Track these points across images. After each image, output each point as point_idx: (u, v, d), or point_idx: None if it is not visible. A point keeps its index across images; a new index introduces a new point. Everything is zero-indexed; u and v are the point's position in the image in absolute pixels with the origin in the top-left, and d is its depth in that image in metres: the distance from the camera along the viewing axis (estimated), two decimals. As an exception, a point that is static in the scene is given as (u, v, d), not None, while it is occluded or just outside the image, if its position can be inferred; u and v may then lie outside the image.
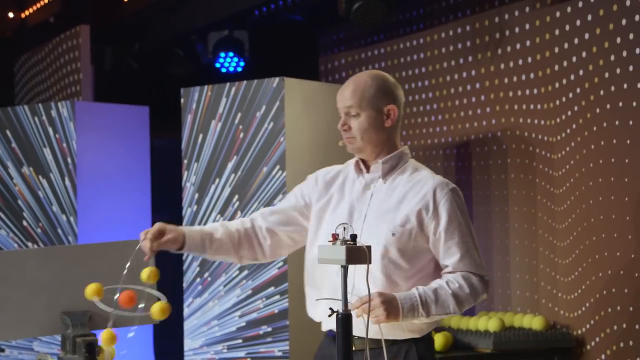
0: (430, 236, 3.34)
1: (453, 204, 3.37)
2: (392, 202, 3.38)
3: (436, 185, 3.38)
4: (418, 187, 3.38)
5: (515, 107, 5.94)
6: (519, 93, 5.91)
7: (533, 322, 5.56)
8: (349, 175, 3.53)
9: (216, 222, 3.62)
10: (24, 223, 6.47)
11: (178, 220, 5.94)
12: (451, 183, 3.44)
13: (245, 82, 5.64)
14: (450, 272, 3.34)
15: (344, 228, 2.88)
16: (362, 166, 3.49)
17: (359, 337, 3.25)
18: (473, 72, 6.27)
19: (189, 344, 5.84)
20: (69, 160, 6.30)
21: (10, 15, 8.66)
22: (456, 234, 3.34)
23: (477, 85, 6.23)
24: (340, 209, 3.45)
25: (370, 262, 2.91)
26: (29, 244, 6.42)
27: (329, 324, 3.42)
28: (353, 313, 3.09)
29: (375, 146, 3.43)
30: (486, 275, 3.36)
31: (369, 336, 3.19)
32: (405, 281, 3.31)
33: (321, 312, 3.44)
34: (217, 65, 7.71)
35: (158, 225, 3.38)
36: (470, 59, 6.29)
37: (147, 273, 3.47)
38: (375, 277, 3.29)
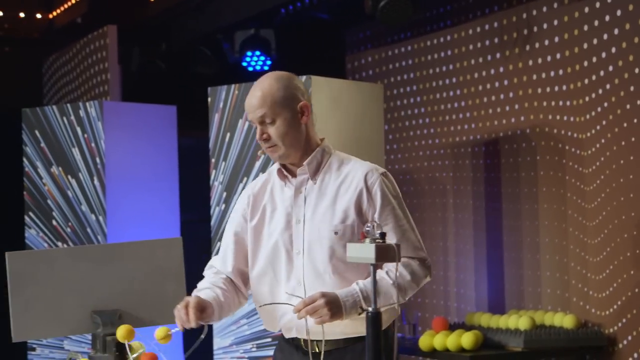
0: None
1: (384, 189, 3.33)
2: (327, 201, 3.33)
3: (366, 172, 3.34)
4: (349, 179, 3.34)
5: (544, 103, 5.91)
6: (548, 90, 5.88)
7: (564, 320, 5.53)
8: (275, 183, 3.45)
9: (205, 287, 3.51)
10: (54, 223, 6.49)
11: (207, 219, 5.95)
12: (381, 168, 3.40)
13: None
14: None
15: (374, 226, 2.86)
16: (285, 172, 3.41)
17: (327, 340, 3.26)
18: (501, 69, 6.24)
19: (218, 342, 5.84)
20: (98, 160, 6.32)
21: (38, 16, 8.69)
22: (390, 218, 3.29)
23: (505, 82, 6.19)
24: (276, 219, 3.39)
25: (399, 260, 2.89)
26: (59, 244, 6.45)
27: (293, 333, 3.39)
28: (294, 316, 3.15)
29: (298, 148, 3.35)
30: (427, 258, 3.31)
31: (333, 337, 3.26)
32: (359, 276, 3.27)
33: (280, 321, 3.41)
34: (244, 64, 7.71)
35: (196, 300, 3.29)
36: (498, 55, 6.26)
37: (162, 334, 3.47)
38: (327, 280, 3.27)
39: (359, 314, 3.13)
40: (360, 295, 3.16)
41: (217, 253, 3.62)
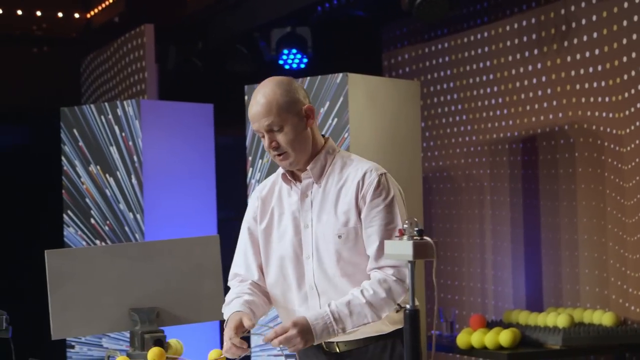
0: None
1: (378, 189, 3.26)
2: (330, 205, 3.31)
3: (365, 172, 3.30)
4: (349, 182, 3.31)
5: (583, 100, 5.87)
6: (586, 86, 5.84)
7: (603, 318, 5.49)
8: (282, 186, 3.43)
9: (232, 298, 3.49)
10: (92, 221, 6.53)
11: (243, 217, 5.95)
12: (381, 168, 3.34)
13: (308, 78, 5.63)
14: (372, 269, 3.26)
15: (411, 223, 2.85)
16: (289, 177, 3.39)
17: (347, 340, 3.31)
18: (539, 65, 6.20)
19: (255, 340, 5.85)
20: (135, 158, 6.34)
21: (76, 15, 8.75)
22: (376, 220, 3.25)
23: (543, 79, 6.16)
24: (285, 223, 3.39)
25: (437, 258, 2.88)
26: (97, 242, 6.48)
27: None
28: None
29: (307, 153, 3.33)
30: (406, 272, 3.18)
31: (353, 337, 3.28)
32: (367, 278, 3.27)
33: None
34: (280, 62, 7.72)
35: (234, 324, 3.26)
36: (535, 51, 6.23)
37: (215, 355, 3.47)
38: (338, 283, 3.27)
39: (341, 332, 3.18)
40: (331, 317, 3.16)
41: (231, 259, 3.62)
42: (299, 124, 3.28)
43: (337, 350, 3.35)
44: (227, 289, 4.07)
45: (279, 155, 3.30)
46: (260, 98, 3.27)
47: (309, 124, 3.31)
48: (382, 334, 3.30)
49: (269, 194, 3.47)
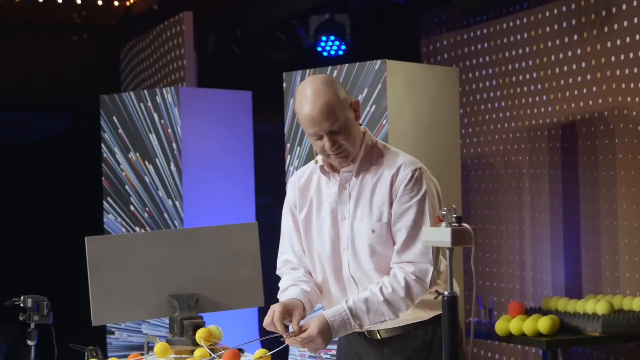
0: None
1: (410, 185, 3.26)
2: (366, 199, 3.31)
3: (399, 166, 3.29)
4: (385, 176, 3.30)
5: (623, 86, 5.82)
6: (627, 72, 5.79)
7: (643, 304, 5.45)
8: (321, 176, 3.42)
9: (288, 285, 3.50)
10: (132, 208, 6.57)
11: (282, 204, 5.96)
12: (417, 163, 3.32)
13: (347, 65, 5.63)
14: (395, 264, 3.26)
15: (450, 210, 2.85)
16: (327, 169, 3.39)
17: (387, 328, 3.34)
18: (579, 52, 6.16)
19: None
20: (174, 145, 6.38)
21: (116, 3, 8.80)
22: (405, 216, 3.25)
23: (583, 65, 6.11)
24: (323, 215, 3.39)
25: (475, 245, 2.87)
26: (137, 229, 6.53)
27: None
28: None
29: (359, 147, 3.34)
30: (429, 270, 3.22)
31: (392, 325, 3.31)
32: None
33: None
34: (319, 49, 7.71)
35: (281, 309, 3.28)
36: (575, 37, 6.18)
37: (260, 354, 3.51)
38: (373, 276, 3.28)
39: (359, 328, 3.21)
40: (348, 314, 3.18)
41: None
42: (352, 119, 3.29)
43: (379, 337, 3.38)
44: (266, 276, 4.09)
45: (339, 155, 3.27)
46: (317, 101, 3.22)
47: (358, 117, 3.32)
48: (422, 320, 3.31)
49: (307, 183, 3.47)
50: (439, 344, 3.24)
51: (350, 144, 3.27)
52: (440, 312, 3.13)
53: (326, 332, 3.14)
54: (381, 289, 3.20)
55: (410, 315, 3.27)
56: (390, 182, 3.27)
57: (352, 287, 3.33)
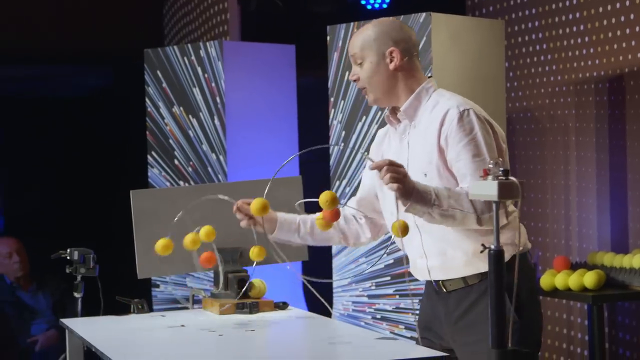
0: (448, 161, 3.31)
1: (460, 124, 3.28)
2: (420, 143, 3.37)
3: (448, 109, 3.32)
4: (436, 119, 3.33)
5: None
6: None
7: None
8: (390, 128, 3.56)
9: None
10: (176, 162, 6.59)
11: (326, 159, 5.96)
12: (466, 104, 3.35)
13: (391, 18, 5.58)
14: None
15: (496, 163, 2.82)
16: (391, 118, 3.49)
17: (450, 279, 3.39)
18: (627, 3, 6.06)
19: (337, 281, 5.88)
20: (218, 99, 6.38)
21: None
22: (463, 154, 3.26)
23: (632, 17, 6.02)
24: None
25: (523, 197, 2.85)
26: (181, 183, 6.55)
27: (419, 275, 3.55)
28: (417, 261, 3.39)
29: (389, 93, 3.43)
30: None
31: (453, 276, 3.37)
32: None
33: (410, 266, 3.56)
34: (363, 2, 7.65)
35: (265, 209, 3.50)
36: (623, -11, 6.09)
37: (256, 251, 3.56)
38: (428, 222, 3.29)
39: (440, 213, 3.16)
40: (431, 189, 3.16)
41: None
42: (377, 63, 3.41)
43: (444, 290, 3.43)
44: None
45: (361, 89, 3.48)
46: (357, 32, 3.47)
47: (391, 66, 3.40)
48: (481, 272, 3.33)
49: (383, 137, 3.62)
50: None
51: (366, 82, 3.43)
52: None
53: (410, 182, 3.12)
54: (461, 188, 3.24)
55: (471, 267, 3.33)
56: (439, 125, 3.31)
57: (416, 234, 3.38)
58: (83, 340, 3.67)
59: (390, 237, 3.49)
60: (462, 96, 3.47)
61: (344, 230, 3.70)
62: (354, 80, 3.47)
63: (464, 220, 3.19)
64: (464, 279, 3.38)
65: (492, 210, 3.03)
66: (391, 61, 3.40)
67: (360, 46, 3.42)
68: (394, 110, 3.49)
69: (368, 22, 3.53)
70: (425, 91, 3.43)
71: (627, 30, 6.05)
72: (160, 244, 3.76)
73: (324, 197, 3.31)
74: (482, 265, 3.26)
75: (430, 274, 3.42)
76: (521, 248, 3.35)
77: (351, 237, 3.73)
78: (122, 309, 4.15)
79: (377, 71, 3.41)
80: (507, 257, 3.26)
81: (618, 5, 6.12)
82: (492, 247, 2.79)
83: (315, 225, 3.57)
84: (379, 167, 3.10)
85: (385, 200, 3.51)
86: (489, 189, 2.80)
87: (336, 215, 3.38)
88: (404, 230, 3.16)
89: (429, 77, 3.53)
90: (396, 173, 3.08)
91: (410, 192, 3.11)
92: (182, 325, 3.78)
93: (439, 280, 3.44)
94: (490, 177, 2.81)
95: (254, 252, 3.61)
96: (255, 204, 3.47)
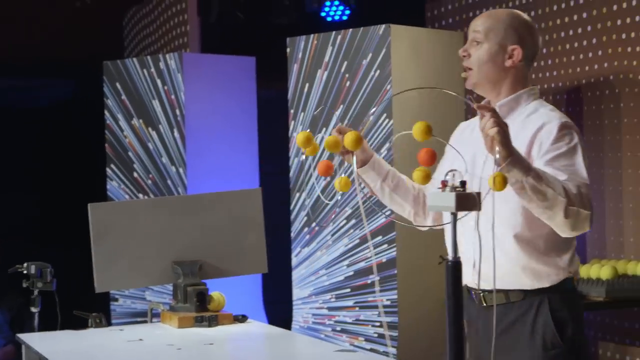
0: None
1: (560, 133, 3.11)
2: None
3: (544, 121, 3.16)
4: (532, 126, 3.18)
5: (629, 49, 5.78)
6: (632, 35, 5.75)
7: (638, 268, 5.44)
8: (474, 122, 3.39)
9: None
10: (135, 175, 6.56)
11: (285, 171, 5.96)
12: (566, 118, 3.19)
13: (351, 30, 5.60)
14: None
15: (453, 174, 2.82)
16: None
17: (489, 291, 3.19)
18: (584, 15, 6.11)
19: (297, 293, 5.87)
20: (178, 111, 6.35)
21: (118, -32, 8.74)
22: (557, 162, 3.06)
23: (589, 28, 6.07)
24: (463, 154, 3.22)
25: (480, 209, 2.84)
26: (140, 195, 6.52)
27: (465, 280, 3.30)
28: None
29: (493, 84, 3.27)
30: (589, 215, 3.03)
31: (501, 287, 3.13)
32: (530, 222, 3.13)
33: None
34: (323, 14, 7.66)
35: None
36: (581, 0, 6.14)
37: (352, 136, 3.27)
38: (513, 219, 3.15)
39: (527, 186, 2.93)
40: (532, 166, 2.95)
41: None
42: (496, 53, 3.24)
43: (484, 304, 3.25)
44: (269, 242, 4.09)
45: (466, 68, 3.29)
46: (488, 12, 3.31)
47: (507, 63, 3.24)
48: (524, 289, 3.18)
49: (468, 125, 3.50)
50: (544, 318, 3.15)
51: (476, 65, 3.26)
52: (546, 285, 3.11)
53: (510, 140, 2.90)
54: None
55: (513, 278, 3.16)
56: (536, 131, 3.15)
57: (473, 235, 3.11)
58: (40, 356, 3.63)
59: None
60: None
61: (419, 203, 3.48)
62: (463, 56, 3.29)
63: (552, 203, 2.95)
64: (506, 294, 3.20)
65: (585, 209, 2.97)
66: (509, 57, 3.25)
67: (487, 28, 3.24)
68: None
69: (505, 8, 3.29)
70: (527, 96, 3.29)
71: (584, 43, 6.10)
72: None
73: (417, 127, 2.97)
74: (525, 280, 3.17)
75: (474, 279, 3.19)
76: (570, 274, 3.21)
77: (420, 213, 3.51)
78: (80, 324, 4.12)
79: (491, 61, 3.24)
80: (553, 281, 3.17)
81: (575, 17, 6.17)
82: (450, 258, 2.79)
83: (400, 184, 3.41)
84: (483, 109, 2.90)
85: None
86: (447, 200, 2.80)
87: (432, 156, 3.13)
88: (503, 183, 2.78)
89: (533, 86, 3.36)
90: (498, 118, 2.88)
91: (511, 150, 2.89)
92: (141, 339, 3.75)
93: (480, 293, 3.26)
94: (447, 189, 2.81)
95: (342, 182, 3.33)
96: (349, 135, 3.25)
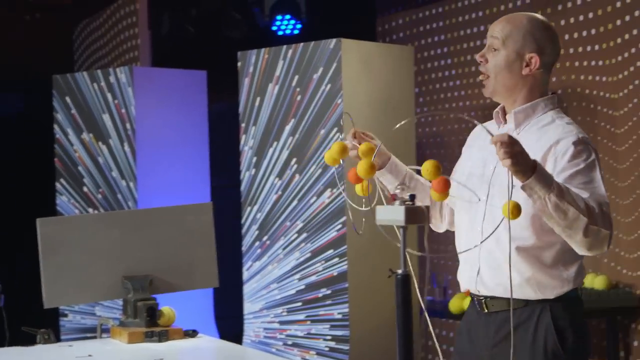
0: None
1: (576, 149, 3.06)
2: None
3: (563, 136, 3.10)
4: (545, 138, 3.13)
5: (576, 64, 5.85)
6: (580, 50, 5.82)
7: (595, 281, 5.49)
8: (490, 126, 3.33)
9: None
10: (85, 189, 6.52)
11: (237, 184, 5.95)
12: (583, 133, 3.14)
13: (302, 44, 5.61)
14: None
15: (402, 189, 2.83)
16: (500, 116, 3.30)
17: (491, 297, 3.18)
18: (532, 30, 6.17)
19: (248, 307, 5.86)
20: (128, 125, 6.33)
21: (69, -18, 8.69)
22: (575, 179, 3.01)
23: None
24: (475, 158, 3.31)
25: (429, 223, 2.84)
26: (90, 210, 6.48)
27: (467, 285, 3.30)
28: (465, 267, 3.11)
29: (509, 91, 3.22)
30: (608, 235, 2.97)
31: (499, 294, 3.14)
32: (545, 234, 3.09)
33: (461, 274, 3.35)
34: (274, 28, 7.68)
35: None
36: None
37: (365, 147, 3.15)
38: (525, 229, 3.10)
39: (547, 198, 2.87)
40: (553, 179, 2.90)
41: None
42: (514, 61, 3.17)
43: (486, 310, 3.23)
44: (220, 256, 4.08)
45: (483, 74, 3.24)
46: (507, 17, 3.23)
47: (525, 71, 3.18)
48: (527, 299, 3.15)
49: (479, 132, 3.43)
50: (545, 328, 3.13)
51: (493, 72, 3.20)
52: (551, 296, 3.09)
53: (529, 159, 2.85)
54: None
55: (517, 289, 3.10)
56: (547, 149, 3.10)
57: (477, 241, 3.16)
58: (-12, 372, 3.59)
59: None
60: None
61: (435, 207, 3.44)
62: (480, 61, 3.23)
63: (573, 222, 2.90)
64: (508, 301, 3.11)
65: (606, 228, 2.92)
66: (527, 65, 3.18)
67: (505, 34, 3.17)
68: (504, 110, 3.30)
69: (525, 13, 3.24)
70: (544, 105, 3.23)
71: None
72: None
73: (427, 166, 2.93)
74: (528, 291, 3.13)
75: (476, 284, 3.20)
76: (575, 286, 3.18)
77: (437, 216, 3.49)
78: (28, 340, 4.07)
79: (508, 68, 3.18)
80: (558, 293, 3.14)
81: (524, 32, 6.22)
82: (399, 272, 2.79)
83: (417, 187, 3.36)
84: (495, 142, 2.82)
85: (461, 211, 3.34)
86: (396, 214, 2.80)
87: (445, 184, 3.07)
88: (517, 211, 2.79)
89: (552, 94, 3.31)
90: (510, 148, 2.81)
91: (531, 168, 2.85)
92: (90, 355, 3.72)
93: (482, 299, 3.23)
94: (397, 202, 2.82)
95: (362, 187, 3.26)
96: (364, 146, 3.19)
